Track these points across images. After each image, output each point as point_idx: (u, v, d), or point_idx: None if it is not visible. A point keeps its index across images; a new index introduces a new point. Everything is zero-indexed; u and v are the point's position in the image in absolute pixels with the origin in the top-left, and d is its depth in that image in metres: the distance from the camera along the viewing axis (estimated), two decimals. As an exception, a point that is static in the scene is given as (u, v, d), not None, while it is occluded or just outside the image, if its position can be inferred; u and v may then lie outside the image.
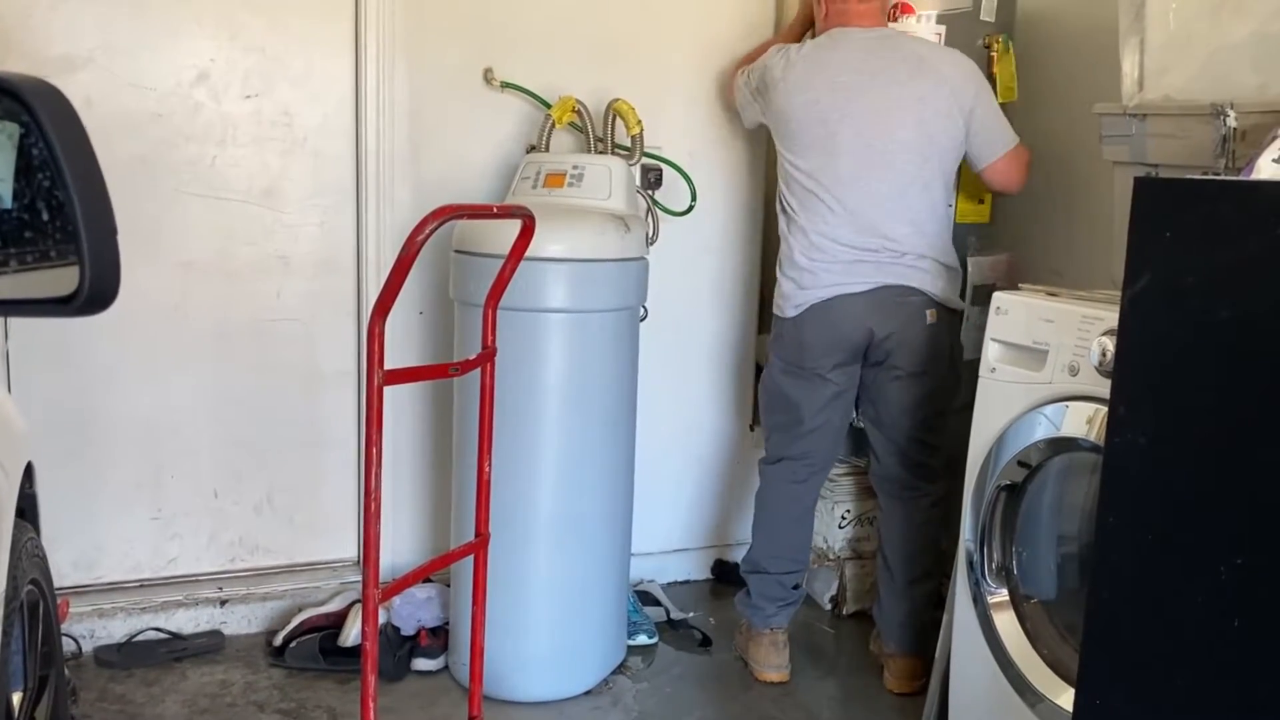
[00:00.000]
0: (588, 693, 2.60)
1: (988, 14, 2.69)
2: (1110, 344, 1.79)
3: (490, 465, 2.05)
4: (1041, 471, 2.05)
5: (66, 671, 1.95)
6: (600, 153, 2.82)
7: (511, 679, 2.51)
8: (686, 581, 3.29)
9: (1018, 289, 2.16)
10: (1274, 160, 1.67)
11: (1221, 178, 1.80)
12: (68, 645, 2.51)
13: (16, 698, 1.53)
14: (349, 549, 2.97)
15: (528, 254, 2.00)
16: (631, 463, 2.67)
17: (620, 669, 2.72)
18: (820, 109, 2.52)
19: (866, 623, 2.92)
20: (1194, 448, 1.33)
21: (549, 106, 2.83)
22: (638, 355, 2.64)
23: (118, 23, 2.57)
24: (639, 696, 2.62)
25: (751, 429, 3.24)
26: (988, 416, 2.12)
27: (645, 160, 2.81)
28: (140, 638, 2.70)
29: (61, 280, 1.07)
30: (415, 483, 2.96)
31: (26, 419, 1.82)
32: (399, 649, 2.65)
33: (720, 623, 3.00)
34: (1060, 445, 1.98)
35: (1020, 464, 2.05)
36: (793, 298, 2.57)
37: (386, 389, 1.69)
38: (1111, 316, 1.79)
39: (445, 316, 2.76)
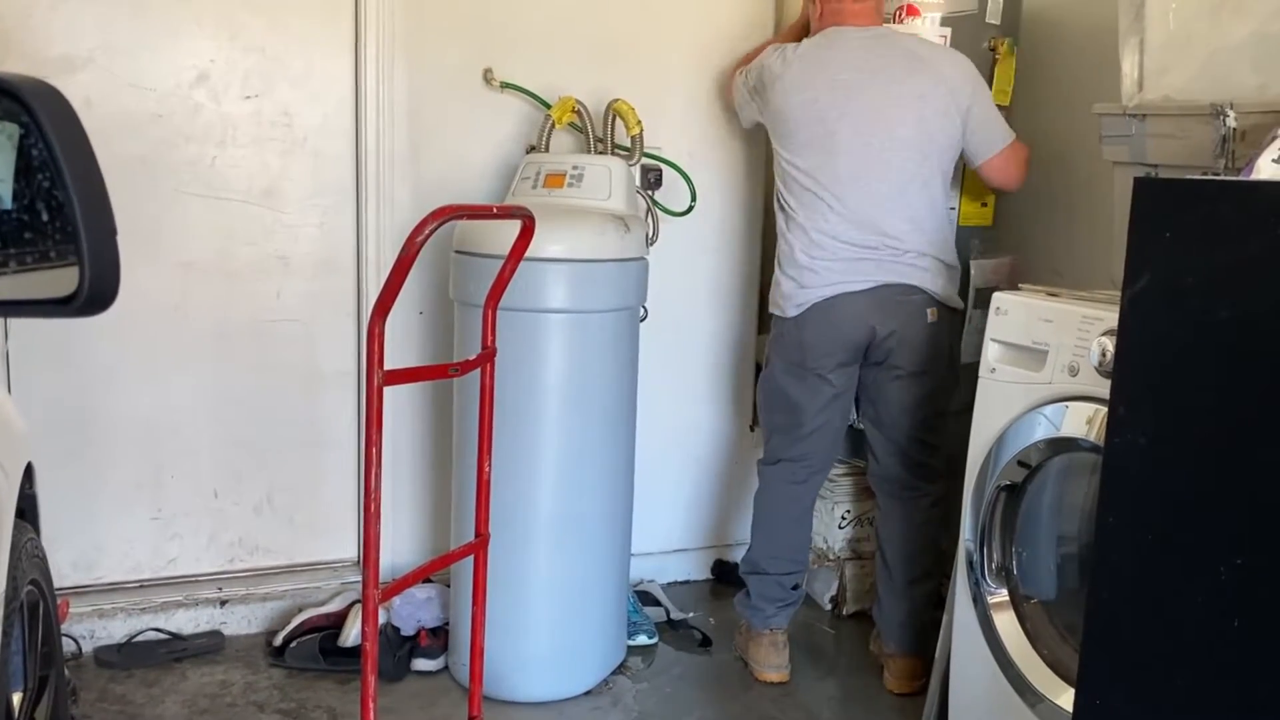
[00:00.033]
0: (588, 693, 2.60)
1: (993, 16, 2.69)
2: (1110, 344, 1.79)
3: (490, 465, 2.05)
4: (1041, 472, 2.05)
5: (66, 672, 1.95)
6: (600, 153, 2.82)
7: (511, 679, 2.51)
8: (686, 582, 3.30)
9: (1018, 289, 2.16)
10: (1274, 160, 1.67)
11: (1221, 178, 1.80)
12: (68, 645, 2.51)
13: (16, 698, 1.53)
14: (349, 549, 2.97)
15: (528, 254, 2.00)
16: (631, 463, 2.67)
17: (620, 669, 2.72)
18: (819, 107, 2.52)
19: (866, 623, 2.92)
20: (1194, 448, 1.33)
21: (549, 107, 2.83)
22: (637, 355, 2.64)
23: (118, 23, 2.57)
24: (639, 697, 2.62)
25: (751, 429, 3.24)
26: (988, 417, 2.12)
27: (645, 160, 2.81)
28: (140, 638, 2.69)
29: (61, 281, 1.07)
30: (415, 483, 2.96)
31: (26, 419, 1.82)
32: (399, 649, 2.65)
33: (720, 623, 3.00)
34: (1060, 445, 1.98)
35: (1020, 464, 2.05)
36: (794, 297, 2.57)
37: (386, 389, 1.69)
38: (1111, 316, 1.79)
39: (445, 317, 2.76)
